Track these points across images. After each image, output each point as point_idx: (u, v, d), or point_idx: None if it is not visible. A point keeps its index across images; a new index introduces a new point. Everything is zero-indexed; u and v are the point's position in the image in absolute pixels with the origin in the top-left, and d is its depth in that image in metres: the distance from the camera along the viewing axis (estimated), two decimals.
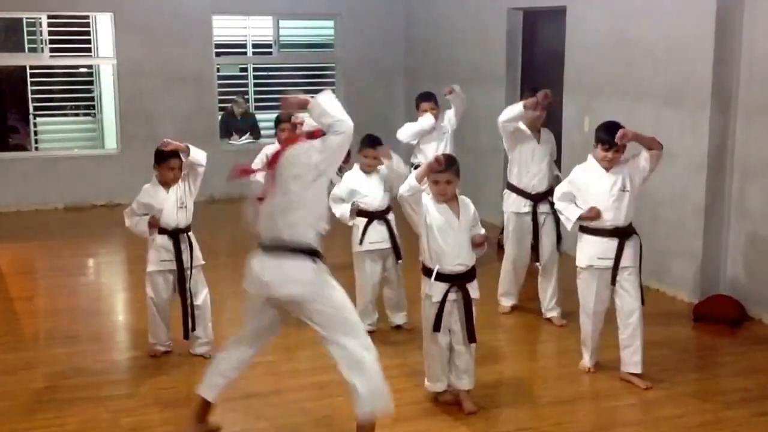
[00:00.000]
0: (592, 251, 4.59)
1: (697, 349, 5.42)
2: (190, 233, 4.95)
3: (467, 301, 4.15)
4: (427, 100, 6.52)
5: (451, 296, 4.13)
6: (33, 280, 7.04)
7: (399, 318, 5.48)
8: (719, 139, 5.84)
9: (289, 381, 4.67)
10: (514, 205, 5.58)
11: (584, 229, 4.64)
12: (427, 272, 4.19)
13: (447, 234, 4.11)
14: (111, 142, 9.94)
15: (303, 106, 3.65)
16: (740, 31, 5.73)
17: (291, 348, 5.08)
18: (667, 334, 5.36)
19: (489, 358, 4.87)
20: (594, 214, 4.53)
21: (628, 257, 4.55)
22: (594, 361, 4.80)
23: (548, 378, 4.80)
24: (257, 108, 10.46)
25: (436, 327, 4.16)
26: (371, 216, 5.21)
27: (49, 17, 9.32)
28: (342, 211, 5.18)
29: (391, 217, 5.30)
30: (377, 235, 5.22)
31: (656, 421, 4.26)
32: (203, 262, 4.99)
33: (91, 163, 9.62)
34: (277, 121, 6.17)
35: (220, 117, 10.09)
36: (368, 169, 5.25)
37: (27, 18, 9.66)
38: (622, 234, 4.54)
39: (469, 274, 4.17)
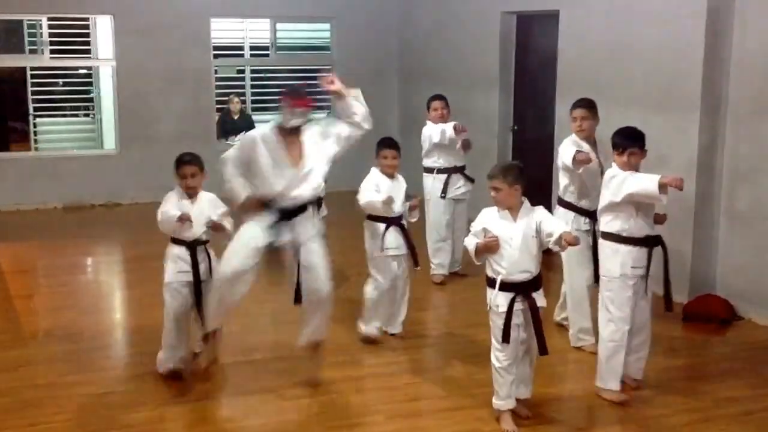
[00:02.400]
0: (622, 260, 4.43)
1: (686, 348, 5.47)
2: (209, 246, 4.78)
3: (534, 311, 4.02)
4: (439, 99, 6.61)
5: (518, 306, 4.00)
6: (33, 279, 7.08)
7: (394, 327, 5.38)
8: (709, 142, 5.92)
9: (285, 378, 4.73)
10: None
11: (615, 238, 4.46)
12: (490, 282, 4.07)
13: (506, 242, 3.98)
14: (110, 142, 10.01)
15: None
16: (730, 35, 5.81)
17: (288, 345, 5.13)
18: (656, 333, 5.36)
19: (479, 355, 4.92)
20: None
21: (653, 266, 4.48)
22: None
23: (537, 376, 4.84)
24: (254, 109, 10.52)
25: (505, 338, 4.01)
26: (389, 221, 5.13)
27: (50, 19, 9.38)
28: (377, 198, 5.04)
29: (404, 222, 5.24)
30: (395, 241, 5.16)
31: (644, 419, 4.31)
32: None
33: (90, 163, 9.68)
34: None
35: (217, 118, 10.16)
36: (388, 171, 5.17)
37: (27, 20, 9.71)
38: (652, 243, 4.48)
39: (535, 283, 4.04)
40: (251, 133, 4.61)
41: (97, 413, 4.31)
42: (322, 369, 4.75)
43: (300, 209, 4.46)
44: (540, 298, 4.09)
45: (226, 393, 4.66)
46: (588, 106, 5.19)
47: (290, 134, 4.43)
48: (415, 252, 5.23)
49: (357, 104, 4.53)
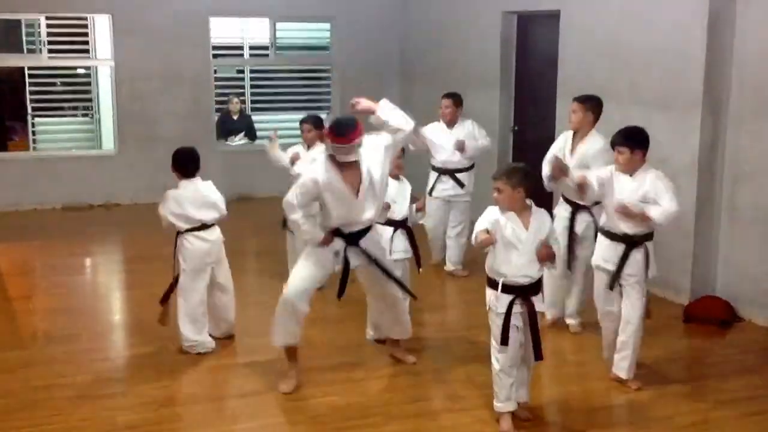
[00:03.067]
0: (599, 252, 4.66)
1: (688, 350, 5.48)
2: (179, 237, 5.00)
3: (532, 315, 4.02)
4: (445, 98, 6.75)
5: (516, 309, 4.00)
6: (31, 280, 7.07)
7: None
8: (710, 142, 5.91)
9: None
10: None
11: (601, 230, 4.69)
12: (491, 284, 4.07)
13: (512, 245, 3.96)
14: (108, 142, 9.99)
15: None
16: (731, 35, 5.80)
17: None
18: (657, 335, 5.40)
19: (480, 357, 4.92)
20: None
21: (632, 265, 4.52)
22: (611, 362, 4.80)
23: (540, 377, 4.84)
24: (254, 109, 10.51)
25: (504, 340, 4.01)
26: (396, 225, 5.10)
27: (48, 18, 9.35)
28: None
29: (410, 225, 5.20)
30: (401, 245, 5.13)
31: (647, 421, 4.31)
32: (180, 270, 5.00)
33: (89, 163, 9.67)
34: (302, 123, 6.20)
35: (216, 118, 10.14)
36: (394, 172, 5.07)
37: (26, 19, 9.69)
38: (630, 242, 4.53)
39: (535, 287, 4.05)
40: (309, 175, 4.42)
41: (97, 415, 4.29)
42: (406, 354, 5.00)
43: (365, 231, 4.56)
44: (539, 303, 4.08)
45: (226, 394, 4.66)
46: (581, 100, 5.37)
47: (346, 163, 4.37)
48: (419, 255, 5.21)
49: (390, 113, 4.52)
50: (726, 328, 5.67)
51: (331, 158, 4.38)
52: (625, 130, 4.57)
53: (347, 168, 4.37)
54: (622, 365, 4.65)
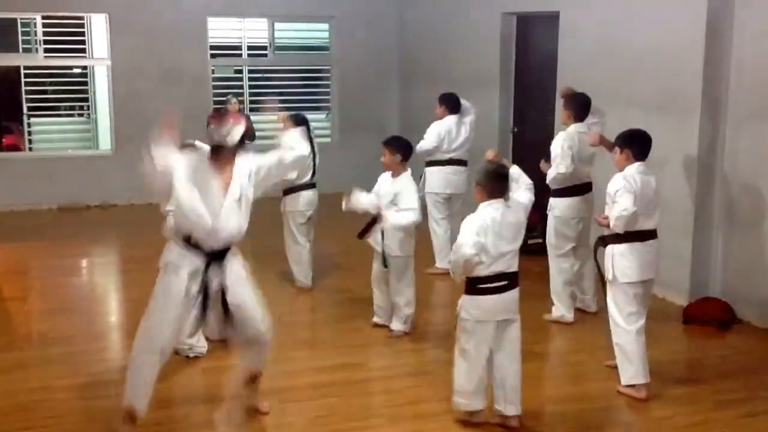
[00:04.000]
0: None
1: (687, 351, 5.48)
2: None
3: None
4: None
5: None
6: (27, 281, 7.04)
7: (393, 324, 5.42)
8: (709, 145, 5.91)
9: (284, 381, 4.69)
10: None
11: None
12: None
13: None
14: (105, 143, 9.95)
15: None
16: (730, 38, 5.80)
17: (286, 349, 5.10)
18: (656, 336, 5.39)
19: None
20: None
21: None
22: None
23: (540, 378, 4.84)
24: (252, 110, 10.47)
25: None
26: (374, 217, 5.18)
27: (44, 18, 9.33)
28: (366, 203, 5.19)
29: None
30: (376, 237, 5.24)
31: (646, 421, 4.31)
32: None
33: (85, 163, 9.63)
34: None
35: None
36: (385, 169, 5.27)
37: (21, 18, 9.65)
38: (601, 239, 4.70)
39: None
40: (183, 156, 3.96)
41: (93, 417, 4.27)
42: (261, 398, 4.34)
43: (227, 249, 4.00)
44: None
45: (224, 396, 4.62)
46: (563, 100, 5.75)
47: (221, 162, 3.93)
48: (384, 252, 5.23)
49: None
50: (725, 330, 5.67)
51: (210, 154, 3.98)
52: (623, 132, 4.69)
53: (221, 168, 3.93)
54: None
